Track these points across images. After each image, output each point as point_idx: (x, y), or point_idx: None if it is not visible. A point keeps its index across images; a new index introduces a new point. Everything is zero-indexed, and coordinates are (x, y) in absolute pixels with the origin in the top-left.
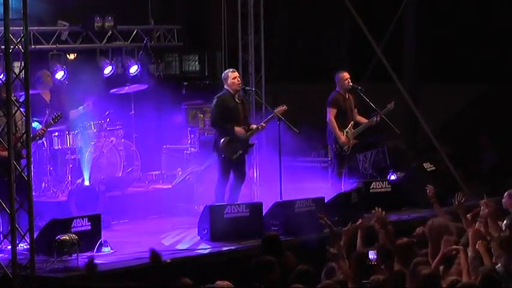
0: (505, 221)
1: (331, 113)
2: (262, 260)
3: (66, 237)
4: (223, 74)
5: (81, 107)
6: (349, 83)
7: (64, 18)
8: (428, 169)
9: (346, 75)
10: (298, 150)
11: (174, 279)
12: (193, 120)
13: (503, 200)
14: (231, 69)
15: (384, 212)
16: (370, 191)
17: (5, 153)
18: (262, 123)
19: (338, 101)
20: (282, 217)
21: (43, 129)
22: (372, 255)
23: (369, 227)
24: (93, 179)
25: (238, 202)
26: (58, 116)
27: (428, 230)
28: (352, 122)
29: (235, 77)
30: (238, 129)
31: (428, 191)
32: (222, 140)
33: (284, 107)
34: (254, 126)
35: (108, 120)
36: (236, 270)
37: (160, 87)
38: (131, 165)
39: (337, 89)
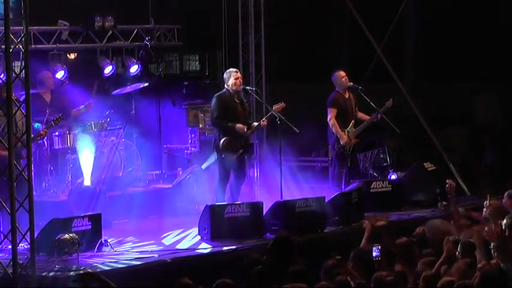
0: (504, 221)
1: (331, 113)
2: (249, 258)
3: (66, 236)
4: (225, 73)
5: (83, 107)
6: (346, 80)
7: (64, 17)
8: (428, 169)
9: (342, 73)
10: (298, 150)
11: (175, 280)
12: (194, 120)
13: (503, 200)
14: (234, 69)
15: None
16: (371, 190)
17: (5, 152)
18: (263, 120)
19: (338, 100)
20: (282, 217)
21: (45, 130)
22: (375, 251)
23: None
24: (94, 179)
25: (239, 202)
26: (59, 118)
27: (428, 231)
28: (353, 121)
29: (237, 78)
30: (239, 126)
31: (448, 185)
32: (222, 140)
33: (282, 104)
34: (255, 123)
35: (108, 119)
36: (236, 270)
37: (161, 87)
38: (131, 164)
39: (336, 89)
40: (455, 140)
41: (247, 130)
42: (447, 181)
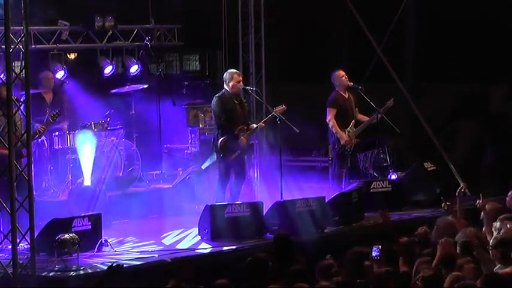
0: (498, 223)
1: (331, 113)
2: (255, 258)
3: (66, 236)
4: (226, 74)
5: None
6: (346, 79)
7: (64, 17)
8: (428, 169)
9: (341, 72)
10: (298, 150)
11: (167, 281)
12: (194, 120)
13: (507, 199)
14: (236, 72)
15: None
16: (371, 190)
17: (6, 151)
18: (261, 123)
19: (338, 100)
20: (282, 217)
21: (43, 127)
22: (375, 251)
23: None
24: (94, 179)
25: (239, 201)
26: (56, 114)
27: (435, 230)
28: (353, 121)
29: (239, 81)
30: (242, 140)
31: (461, 187)
32: (220, 140)
33: (283, 107)
34: (254, 125)
35: (108, 119)
36: (236, 270)
37: (161, 87)
38: (132, 164)
39: (336, 89)
40: (465, 133)
41: (246, 131)
42: (462, 184)
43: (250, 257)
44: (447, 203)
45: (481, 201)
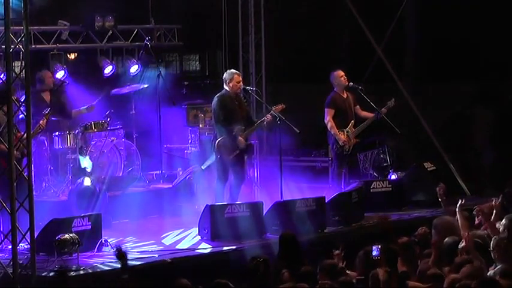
0: (503, 221)
1: (329, 114)
2: (262, 259)
3: (66, 236)
4: (226, 74)
5: (84, 108)
6: (345, 80)
7: (64, 17)
8: (428, 169)
9: (340, 72)
10: (298, 150)
11: (172, 280)
12: (194, 120)
13: None
14: (236, 72)
15: None
16: (371, 190)
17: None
18: (267, 115)
19: (336, 101)
20: (282, 217)
21: (44, 121)
22: (375, 251)
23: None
24: (94, 179)
25: (239, 202)
26: (48, 112)
27: (434, 229)
28: (352, 121)
29: (239, 81)
30: (241, 140)
31: (438, 188)
32: (219, 140)
33: (282, 106)
34: (257, 121)
35: (108, 119)
36: (237, 270)
37: (161, 87)
38: (132, 164)
39: (334, 90)
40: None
41: (246, 131)
42: (439, 185)
43: (254, 258)
44: (444, 198)
45: (499, 199)
